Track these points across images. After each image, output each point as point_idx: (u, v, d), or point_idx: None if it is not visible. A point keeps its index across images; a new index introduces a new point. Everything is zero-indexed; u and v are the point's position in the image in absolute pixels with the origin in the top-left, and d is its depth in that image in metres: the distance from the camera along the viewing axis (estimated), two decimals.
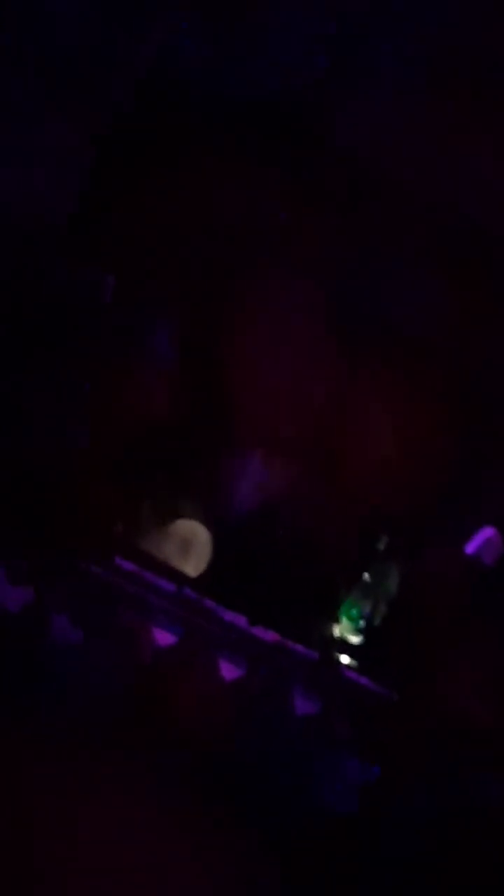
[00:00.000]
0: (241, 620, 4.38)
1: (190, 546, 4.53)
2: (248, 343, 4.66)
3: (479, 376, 4.81)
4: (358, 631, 4.56)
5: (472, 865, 4.39)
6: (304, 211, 4.72)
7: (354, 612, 4.57)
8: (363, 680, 4.43)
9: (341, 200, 4.74)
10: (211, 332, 4.66)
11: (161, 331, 4.65)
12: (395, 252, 4.76)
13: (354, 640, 4.56)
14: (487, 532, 4.64)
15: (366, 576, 4.59)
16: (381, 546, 4.63)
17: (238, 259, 4.69)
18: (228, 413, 4.64)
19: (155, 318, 4.65)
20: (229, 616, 4.37)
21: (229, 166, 4.68)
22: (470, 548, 4.63)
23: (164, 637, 4.30)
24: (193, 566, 4.51)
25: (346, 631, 4.56)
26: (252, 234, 4.69)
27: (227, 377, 4.64)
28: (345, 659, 4.51)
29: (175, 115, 4.67)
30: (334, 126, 4.75)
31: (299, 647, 4.40)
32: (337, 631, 4.56)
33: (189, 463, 4.62)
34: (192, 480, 4.62)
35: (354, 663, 4.50)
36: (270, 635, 4.38)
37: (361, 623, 4.57)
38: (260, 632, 4.38)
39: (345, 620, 4.56)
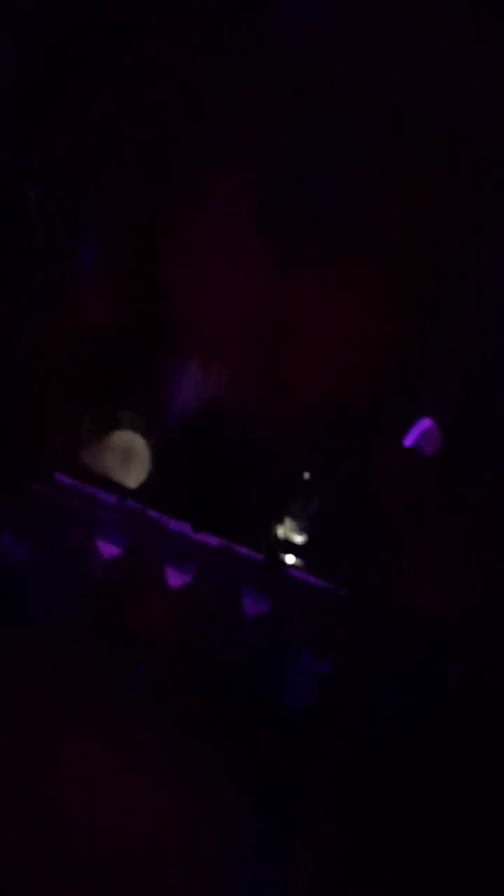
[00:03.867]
0: (185, 528, 4.40)
1: (130, 457, 4.54)
2: (183, 246, 4.65)
3: (418, 270, 4.80)
4: (303, 530, 4.59)
5: (440, 753, 4.47)
6: (240, 104, 4.68)
7: (298, 511, 4.59)
8: (310, 578, 4.47)
9: (277, 91, 4.70)
10: (145, 235, 4.64)
11: (94, 237, 4.62)
12: (333, 145, 4.73)
13: (299, 539, 4.59)
14: (425, 423, 4.65)
15: (307, 474, 4.62)
16: (323, 443, 4.64)
17: (173, 157, 4.66)
18: (165, 319, 4.64)
19: (87, 224, 4.62)
20: (173, 525, 4.39)
21: (164, 60, 4.63)
22: (409, 440, 4.65)
23: (108, 549, 4.33)
24: (134, 477, 4.53)
25: (290, 531, 4.58)
26: (188, 131, 4.66)
27: (163, 281, 4.62)
28: (291, 559, 4.55)
29: (109, 6, 4.62)
30: (270, 14, 4.70)
31: (245, 550, 4.43)
32: (282, 532, 4.58)
33: (126, 373, 4.62)
34: (130, 390, 4.62)
35: (300, 562, 4.54)
36: (215, 540, 4.40)
37: (306, 522, 4.59)
38: (205, 537, 4.40)
39: (289, 521, 4.59)
